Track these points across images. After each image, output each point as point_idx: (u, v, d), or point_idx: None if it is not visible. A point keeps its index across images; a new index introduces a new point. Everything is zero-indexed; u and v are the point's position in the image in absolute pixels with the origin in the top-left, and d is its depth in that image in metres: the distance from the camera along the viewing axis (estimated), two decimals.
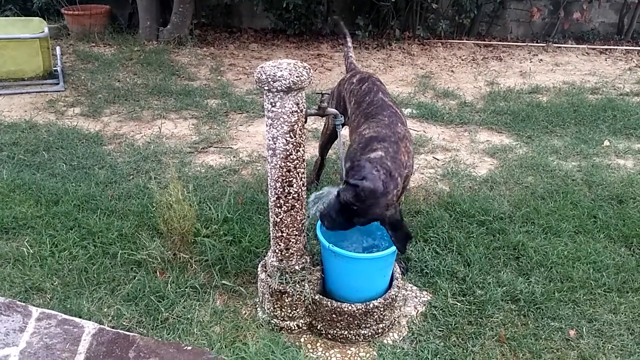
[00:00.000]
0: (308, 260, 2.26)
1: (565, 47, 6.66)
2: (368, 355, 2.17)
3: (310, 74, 2.00)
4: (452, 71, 5.85)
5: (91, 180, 3.34)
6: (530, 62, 6.20)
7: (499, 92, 5.10)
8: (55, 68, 5.18)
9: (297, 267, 2.22)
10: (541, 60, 6.27)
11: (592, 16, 6.91)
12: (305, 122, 2.07)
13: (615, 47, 6.66)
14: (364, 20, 6.50)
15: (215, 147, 3.93)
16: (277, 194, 2.11)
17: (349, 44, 3.18)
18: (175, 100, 4.73)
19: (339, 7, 6.91)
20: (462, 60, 6.23)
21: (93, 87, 4.96)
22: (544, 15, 6.89)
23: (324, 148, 3.15)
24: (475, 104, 4.84)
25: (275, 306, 2.24)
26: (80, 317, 2.28)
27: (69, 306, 2.36)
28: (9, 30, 5.22)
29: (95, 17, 6.41)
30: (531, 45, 6.72)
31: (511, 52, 6.53)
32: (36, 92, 4.82)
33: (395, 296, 2.27)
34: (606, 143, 4.06)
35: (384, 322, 2.24)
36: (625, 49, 6.59)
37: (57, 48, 5.45)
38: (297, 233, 2.18)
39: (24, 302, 2.36)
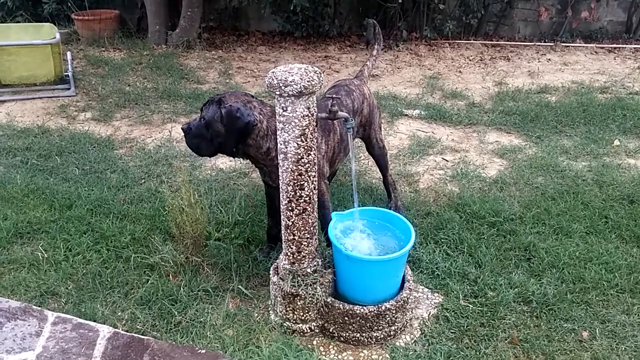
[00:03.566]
0: (320, 263, 2.28)
1: (573, 46, 6.63)
2: (381, 357, 2.18)
3: (321, 79, 2.01)
4: (460, 72, 5.84)
5: (103, 184, 3.38)
6: (539, 61, 6.18)
7: (507, 92, 5.09)
8: (66, 73, 5.23)
9: (309, 270, 2.24)
10: (549, 59, 6.25)
11: (600, 15, 6.88)
12: (316, 125, 2.08)
13: (624, 45, 6.63)
14: None
15: None
16: (288, 197, 2.12)
17: (375, 52, 3.09)
18: (185, 104, 4.76)
19: (346, 9, 6.93)
20: (470, 60, 6.22)
21: (104, 91, 5.01)
22: (551, 15, 6.87)
23: None
24: (483, 105, 4.84)
25: (288, 309, 2.25)
26: (95, 321, 2.30)
27: (83, 310, 2.39)
28: (20, 36, 5.29)
29: (104, 22, 6.47)
30: (539, 45, 6.70)
31: (519, 51, 6.51)
32: (48, 97, 4.88)
33: (407, 298, 2.27)
34: (616, 142, 4.04)
35: (396, 324, 2.25)
36: (634, 48, 6.56)
37: (68, 53, 5.50)
38: (308, 236, 2.19)
39: (39, 306, 2.39)
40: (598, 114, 4.50)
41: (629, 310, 2.40)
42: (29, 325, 2.25)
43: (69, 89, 5.01)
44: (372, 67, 3.10)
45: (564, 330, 2.30)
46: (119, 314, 2.39)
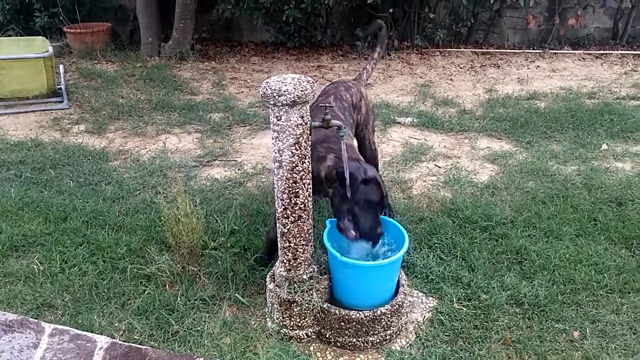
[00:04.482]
0: (316, 269, 2.31)
1: (561, 53, 6.74)
2: None
3: (314, 88, 2.05)
4: (451, 79, 5.92)
5: (98, 196, 3.39)
6: (528, 68, 6.28)
7: (497, 99, 5.17)
8: (59, 86, 5.25)
9: (305, 277, 2.26)
10: (538, 66, 6.34)
11: (587, 22, 7.01)
12: (310, 134, 2.12)
13: (611, 51, 6.74)
14: (363, 32, 6.59)
15: (219, 161, 3.98)
16: (284, 205, 2.16)
17: (376, 55, 3.25)
18: (178, 115, 4.79)
19: (338, 19, 7.00)
20: (461, 68, 6.31)
21: (97, 104, 5.03)
22: (539, 22, 6.98)
23: None
24: (474, 111, 4.90)
25: (285, 316, 2.28)
26: (92, 332, 2.30)
27: (80, 321, 2.39)
28: (12, 50, 5.32)
29: (97, 35, 6.51)
30: (528, 52, 6.80)
31: (508, 59, 6.61)
32: (41, 110, 4.89)
33: (402, 302, 2.31)
34: (604, 147, 4.11)
35: (391, 328, 2.28)
36: (621, 53, 6.67)
37: (61, 66, 5.53)
38: (304, 243, 2.22)
39: (36, 318, 2.39)
40: (586, 119, 4.57)
41: (618, 310, 2.45)
42: (26, 337, 2.25)
43: (62, 102, 5.03)
44: (371, 71, 3.23)
45: (555, 330, 2.34)
46: (116, 324, 2.40)
